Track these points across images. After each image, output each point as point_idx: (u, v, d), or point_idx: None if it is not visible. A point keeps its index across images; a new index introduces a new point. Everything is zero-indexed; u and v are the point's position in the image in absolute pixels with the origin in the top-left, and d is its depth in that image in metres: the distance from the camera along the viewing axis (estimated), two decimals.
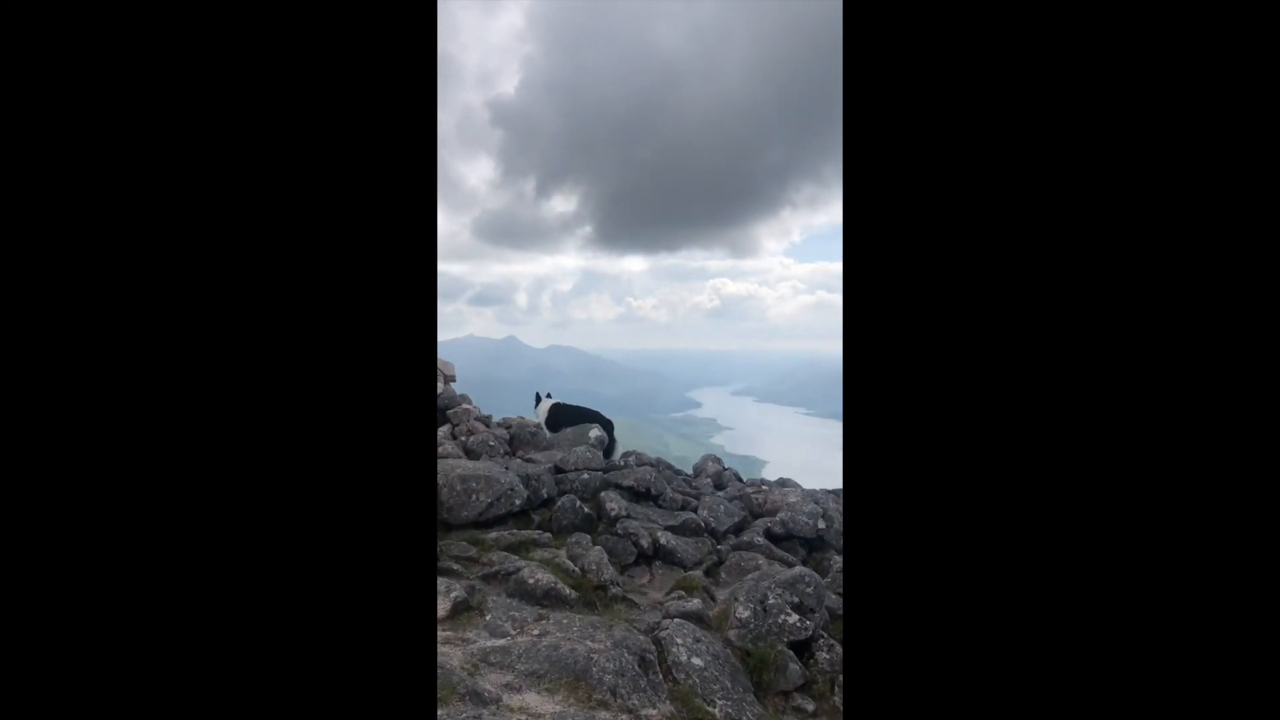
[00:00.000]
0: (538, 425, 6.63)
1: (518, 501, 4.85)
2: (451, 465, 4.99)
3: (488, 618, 3.39)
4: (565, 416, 6.90)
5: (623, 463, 6.35)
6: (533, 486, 5.23)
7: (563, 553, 4.48)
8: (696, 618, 3.84)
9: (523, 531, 4.59)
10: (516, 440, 6.37)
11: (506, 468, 5.31)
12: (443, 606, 3.34)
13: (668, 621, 3.69)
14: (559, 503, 5.10)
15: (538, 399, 7.12)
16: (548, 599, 3.77)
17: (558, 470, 5.74)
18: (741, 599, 4.08)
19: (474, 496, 4.74)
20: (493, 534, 4.55)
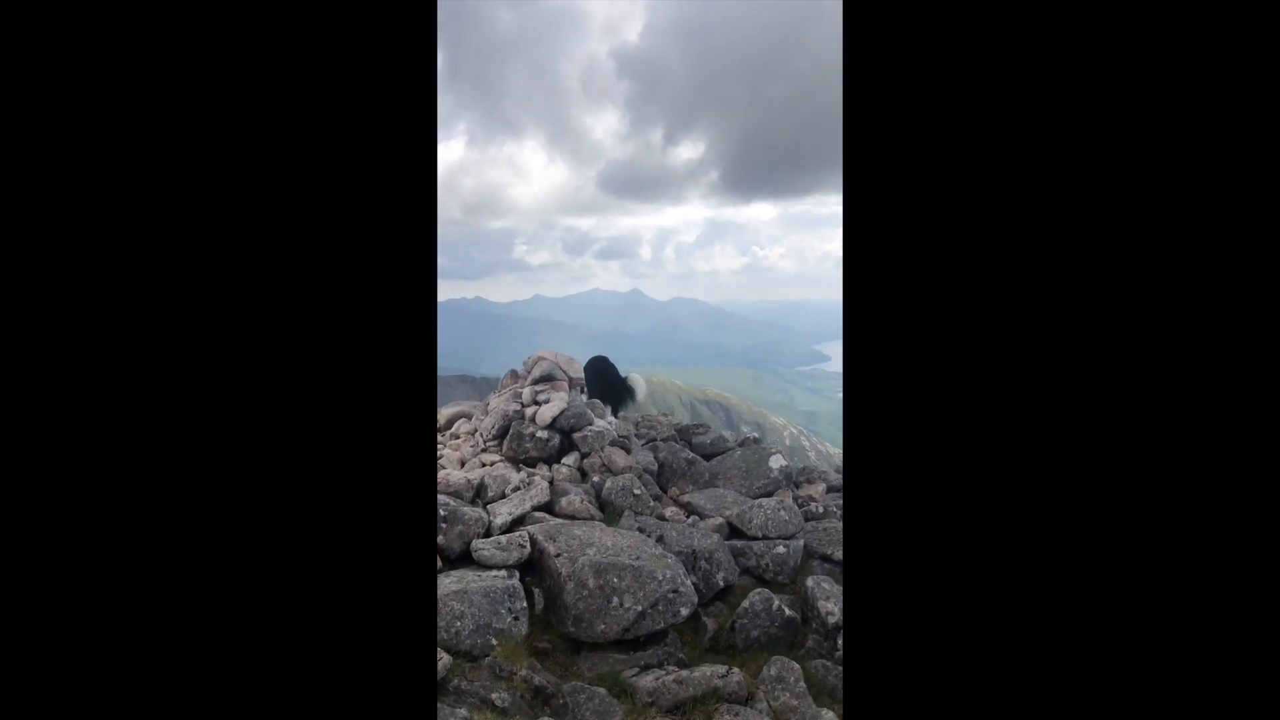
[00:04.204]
0: (692, 455, 4.78)
1: (684, 610, 3.05)
2: (580, 540, 3.26)
3: None
4: (606, 375, 5.49)
5: (821, 510, 4.38)
6: (702, 569, 3.41)
7: (764, 713, 2.65)
8: None
9: (694, 673, 2.78)
10: (667, 471, 4.58)
11: (660, 538, 3.51)
12: None
13: None
14: (745, 603, 3.24)
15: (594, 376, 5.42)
16: None
17: (733, 533, 3.88)
18: None
19: (616, 600, 2.99)
20: (649, 677, 2.78)
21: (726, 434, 6.07)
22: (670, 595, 3.02)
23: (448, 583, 2.93)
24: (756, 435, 7.47)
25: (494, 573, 3.08)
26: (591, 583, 3.03)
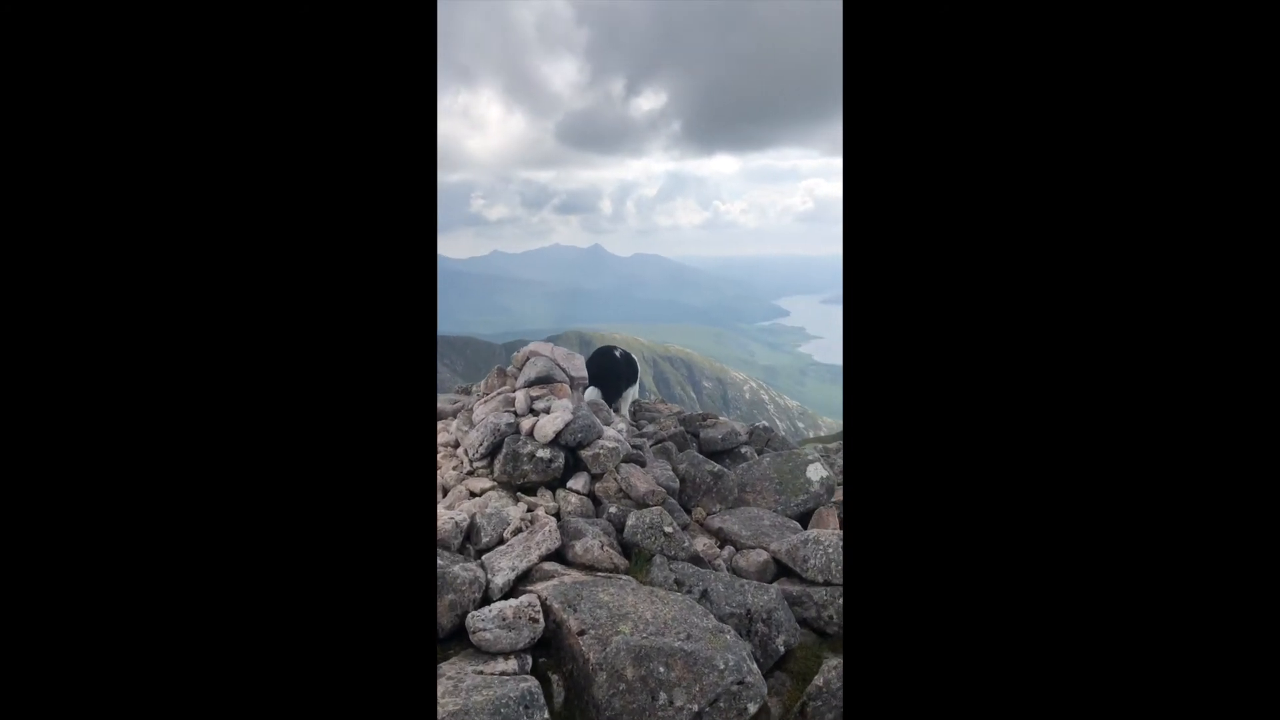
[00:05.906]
0: (718, 468, 4.05)
1: (751, 707, 2.36)
2: (610, 609, 2.52)
3: None
4: (607, 367, 4.80)
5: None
6: (758, 633, 2.74)
7: None
8: None
9: None
10: (689, 487, 3.85)
11: (704, 593, 2.80)
12: None
13: None
14: (819, 679, 2.57)
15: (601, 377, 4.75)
16: None
17: (781, 570, 3.20)
18: None
19: (664, 696, 2.28)
20: None
21: (738, 426, 5.39)
22: (734, 689, 2.32)
23: (440, 690, 2.17)
24: (765, 424, 6.81)
25: (500, 663, 2.33)
26: (630, 673, 2.31)
